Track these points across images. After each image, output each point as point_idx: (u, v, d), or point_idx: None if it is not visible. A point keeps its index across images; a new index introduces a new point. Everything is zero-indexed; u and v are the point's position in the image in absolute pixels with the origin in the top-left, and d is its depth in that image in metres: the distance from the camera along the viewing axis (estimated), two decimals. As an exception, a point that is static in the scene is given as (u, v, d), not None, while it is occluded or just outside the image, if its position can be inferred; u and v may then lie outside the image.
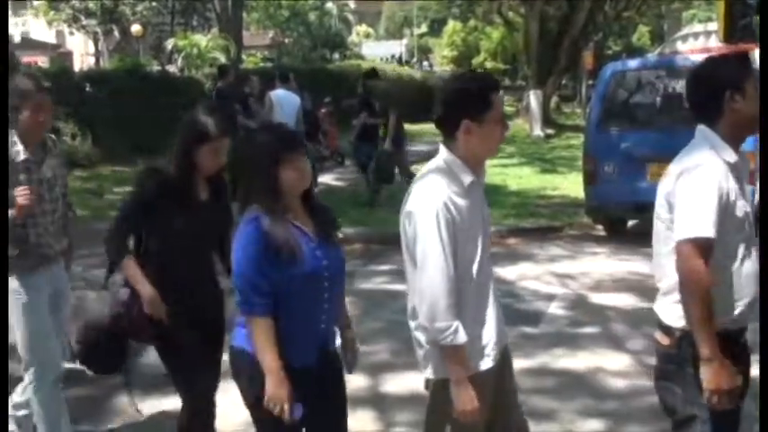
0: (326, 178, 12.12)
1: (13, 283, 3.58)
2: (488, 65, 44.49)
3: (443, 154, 2.66)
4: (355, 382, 4.52)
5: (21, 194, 3.44)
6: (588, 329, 5.72)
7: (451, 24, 46.46)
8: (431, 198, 2.55)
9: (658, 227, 2.68)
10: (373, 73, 12.08)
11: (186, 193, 3.26)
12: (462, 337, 2.52)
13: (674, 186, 2.58)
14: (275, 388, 2.58)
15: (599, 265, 7.59)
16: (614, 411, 4.34)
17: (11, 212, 3.45)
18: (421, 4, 48.93)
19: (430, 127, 23.97)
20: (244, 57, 24.30)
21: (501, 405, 2.81)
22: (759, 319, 2.60)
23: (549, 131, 20.65)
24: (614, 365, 4.95)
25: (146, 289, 3.23)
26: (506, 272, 7.35)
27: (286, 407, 2.59)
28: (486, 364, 2.69)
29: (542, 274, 7.31)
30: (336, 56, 33.45)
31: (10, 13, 34.33)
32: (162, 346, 3.38)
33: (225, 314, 3.48)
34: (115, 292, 3.33)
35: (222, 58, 19.77)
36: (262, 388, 2.60)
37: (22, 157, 3.57)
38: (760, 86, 2.62)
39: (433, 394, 2.74)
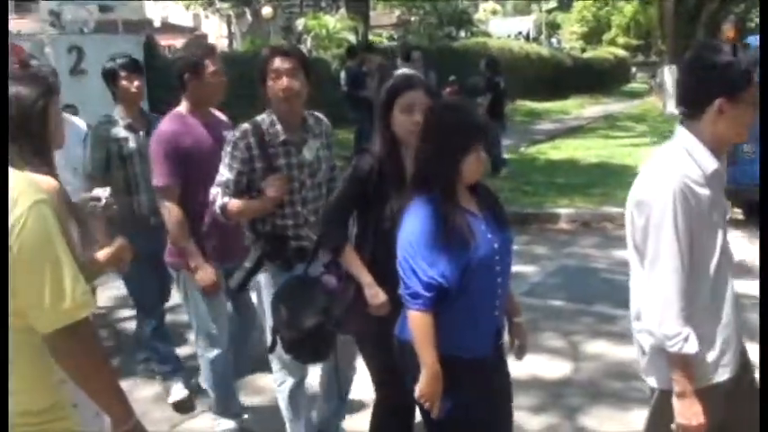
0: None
1: (264, 278, 3.48)
2: (620, 40, 42.95)
3: (683, 136, 2.37)
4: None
5: (272, 184, 3.30)
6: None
7: (582, -1, 45.05)
8: (667, 186, 2.27)
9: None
10: (494, 63, 12.01)
11: (398, 174, 3.02)
12: (693, 346, 2.28)
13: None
14: (428, 385, 2.54)
15: (737, 249, 7.19)
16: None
17: (259, 203, 3.33)
18: (550, -22, 47.71)
19: (556, 105, 23.54)
20: (370, 36, 24.45)
21: (737, 421, 2.52)
22: (759, 319, 2.46)
23: (685, 109, 19.72)
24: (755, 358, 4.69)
25: (368, 280, 3.03)
26: (634, 255, 7.13)
27: (437, 404, 2.55)
28: (722, 375, 2.42)
29: (673, 259, 7.02)
30: (462, 34, 33.18)
31: (151, -2, 35.94)
32: (366, 338, 3.21)
33: None
34: (320, 279, 3.17)
35: (351, 38, 19.98)
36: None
37: (281, 137, 3.37)
38: (760, 86, 2.32)
39: (657, 406, 2.50)
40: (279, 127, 3.35)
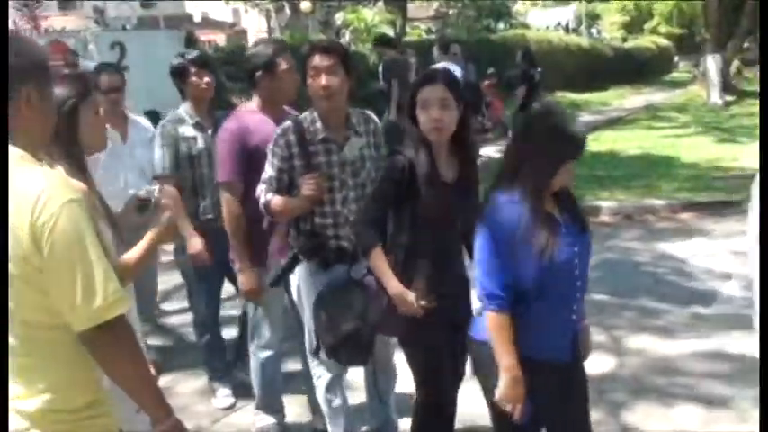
0: (489, 150, 11.98)
1: (301, 276, 3.47)
2: (662, 29, 42.25)
3: None
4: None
5: (308, 183, 3.27)
6: (768, 312, 5.34)
7: (623, -12, 44.39)
8: None
9: None
10: (529, 55, 11.92)
11: (430, 172, 3.01)
12: None
13: None
14: (510, 388, 2.52)
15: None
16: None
17: (297, 201, 3.31)
18: (590, -32, 47.12)
19: (596, 96, 23.19)
20: (408, 29, 24.41)
21: None
22: (759, 318, 2.40)
23: (729, 98, 19.35)
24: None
25: (392, 284, 3.02)
26: (678, 248, 7.05)
27: (519, 407, 2.53)
28: None
29: (717, 252, 6.93)
30: (501, 26, 32.92)
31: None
32: (406, 339, 3.22)
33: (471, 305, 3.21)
34: (363, 281, 3.19)
35: (389, 31, 19.95)
36: None
37: (321, 135, 3.33)
38: (760, 86, 2.21)
39: None
40: (319, 124, 3.32)
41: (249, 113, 3.74)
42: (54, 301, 1.78)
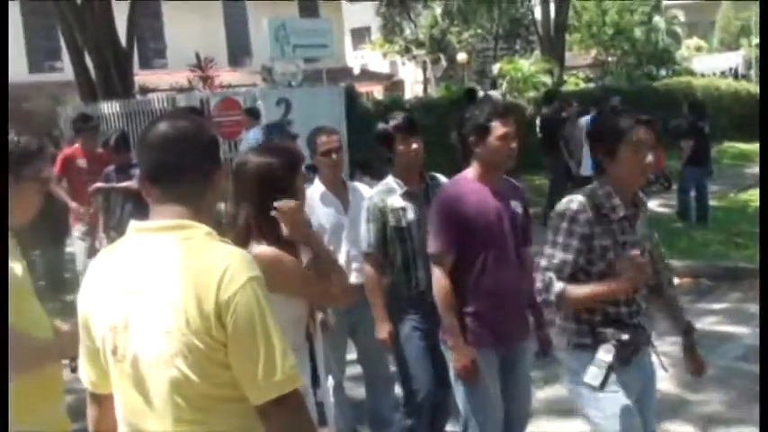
0: (652, 204, 11.52)
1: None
2: (844, 74, 39.44)
3: None
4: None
5: (630, 266, 2.86)
6: None
7: (798, 31, 41.85)
8: None
9: None
10: (698, 106, 11.60)
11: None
12: None
13: None
14: None
15: None
16: None
17: (603, 289, 2.93)
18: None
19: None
20: (565, 77, 24.13)
21: None
22: (759, 319, 2.06)
23: None
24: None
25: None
26: None
27: None
28: None
29: None
30: (663, 72, 31.86)
31: (350, 47, 37.59)
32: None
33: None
34: None
35: (546, 81, 19.82)
36: None
37: (621, 213, 3.00)
38: (760, 85, 1.89)
39: None
40: (617, 200, 3.00)
41: (465, 181, 3.52)
42: (236, 375, 1.86)
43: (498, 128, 3.39)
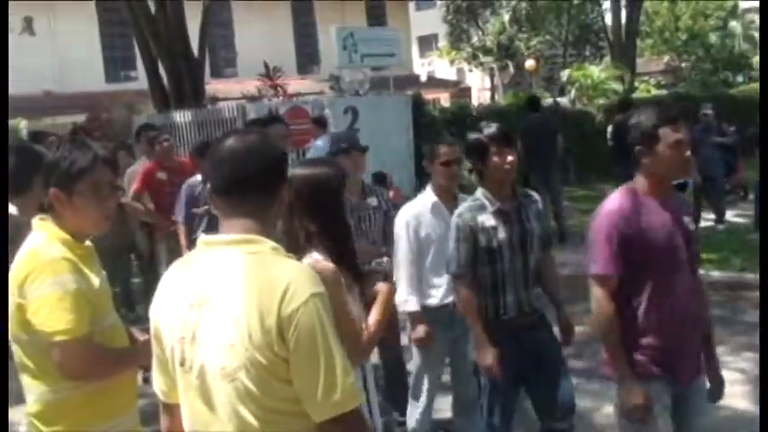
0: (727, 214, 11.17)
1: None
2: None
3: None
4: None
5: None
6: None
7: None
8: None
9: None
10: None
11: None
12: None
13: None
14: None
15: None
16: None
17: None
18: None
19: None
20: (636, 84, 23.64)
21: None
22: (759, 316, 1.90)
23: None
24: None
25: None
26: None
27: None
28: None
29: None
30: (740, 78, 30.93)
31: (417, 54, 37.62)
32: None
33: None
34: None
35: (617, 88, 19.44)
36: None
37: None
38: (760, 85, 1.72)
39: None
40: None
41: (631, 192, 3.15)
42: (297, 391, 1.85)
43: (669, 134, 3.02)
